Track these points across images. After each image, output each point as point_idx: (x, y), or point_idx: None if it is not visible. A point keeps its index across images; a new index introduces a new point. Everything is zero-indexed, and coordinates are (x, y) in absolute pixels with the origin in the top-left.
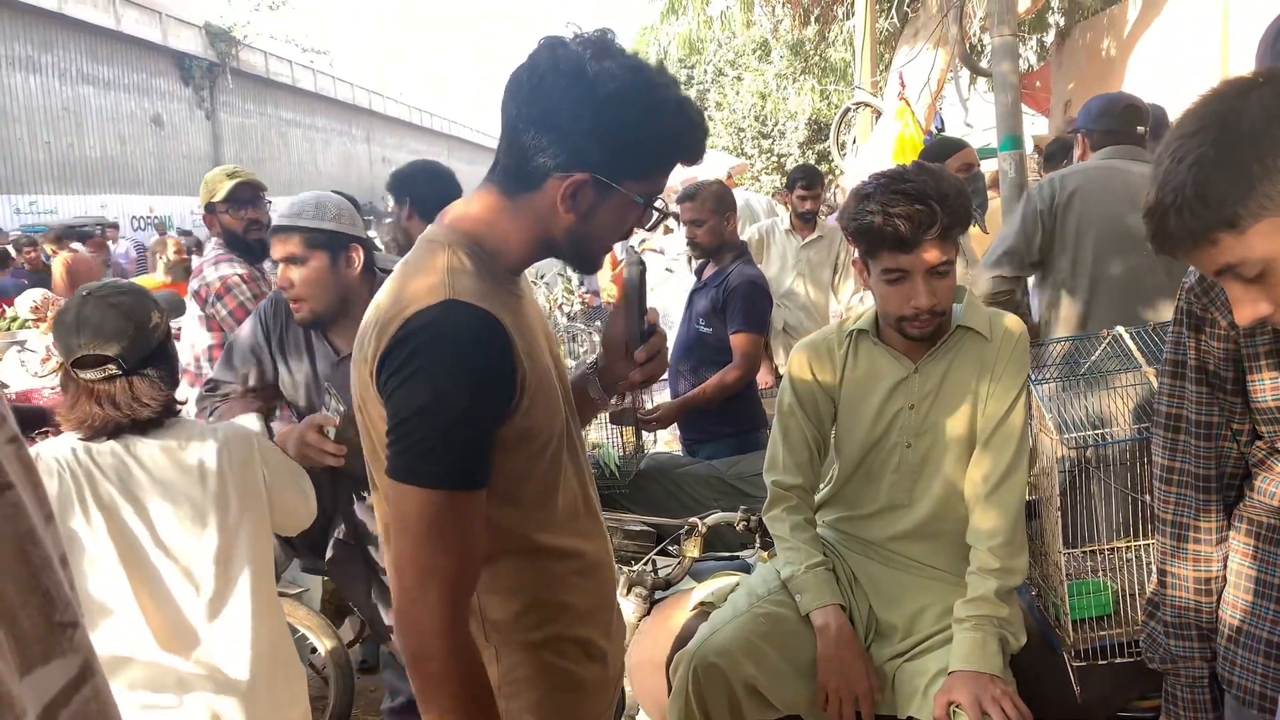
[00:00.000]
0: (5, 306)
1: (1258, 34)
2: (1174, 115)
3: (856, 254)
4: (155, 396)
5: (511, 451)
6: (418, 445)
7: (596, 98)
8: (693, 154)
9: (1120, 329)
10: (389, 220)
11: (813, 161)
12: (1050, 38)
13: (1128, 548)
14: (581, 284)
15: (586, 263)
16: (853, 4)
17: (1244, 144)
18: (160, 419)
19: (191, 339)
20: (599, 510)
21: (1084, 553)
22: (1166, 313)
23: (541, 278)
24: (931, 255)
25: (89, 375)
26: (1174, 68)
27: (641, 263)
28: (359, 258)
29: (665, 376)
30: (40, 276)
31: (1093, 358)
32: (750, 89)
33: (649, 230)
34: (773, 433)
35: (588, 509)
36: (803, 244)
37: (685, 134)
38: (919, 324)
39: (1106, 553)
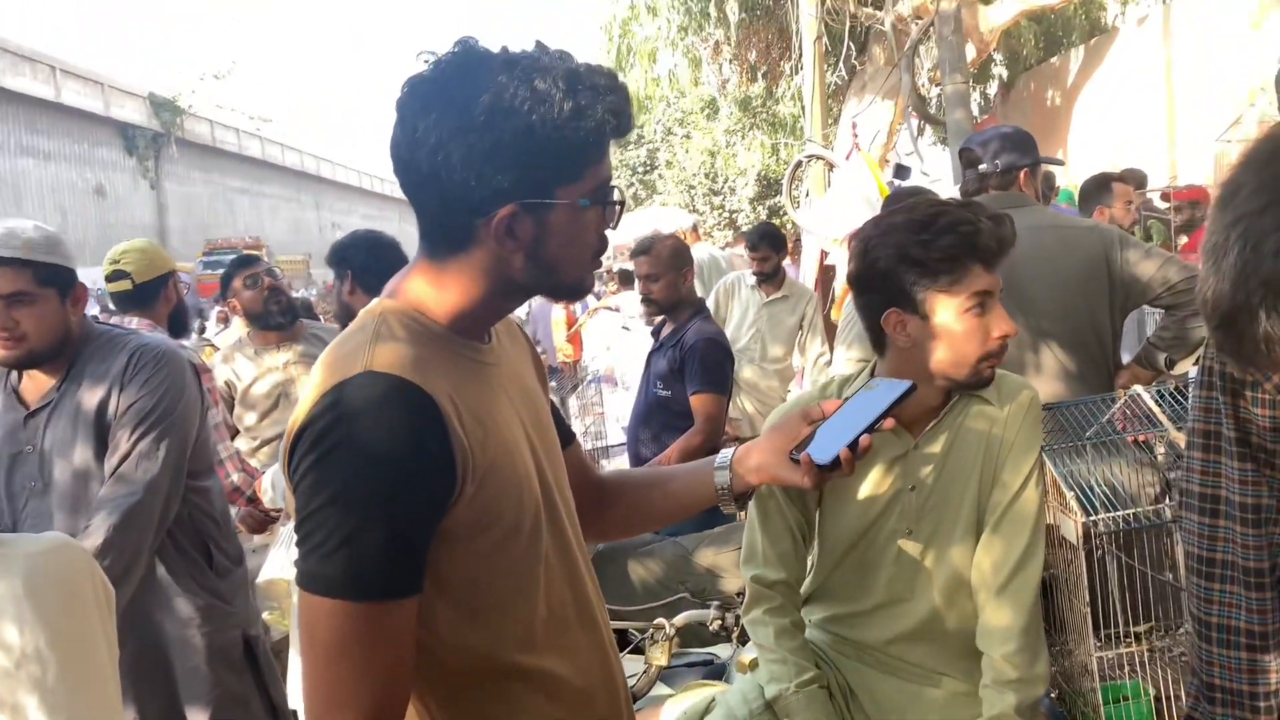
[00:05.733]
0: None
1: (1200, 80)
2: (1121, 163)
3: (891, 308)
4: None
5: (460, 547)
6: (322, 546)
7: (475, 121)
8: (617, 125)
9: (1138, 388)
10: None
11: (764, 215)
12: (994, 89)
13: (1153, 635)
14: (536, 343)
15: (569, 290)
16: (800, 59)
17: None
18: None
19: None
20: (599, 617)
21: (1115, 654)
22: None
23: None
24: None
25: None
26: (1118, 116)
27: (914, 387)
28: (85, 297)
29: (625, 443)
30: None
31: (1104, 419)
32: (699, 146)
33: (612, 227)
34: (749, 518)
35: (582, 618)
36: (766, 301)
37: (592, 108)
38: (997, 359)
39: (1133, 645)
